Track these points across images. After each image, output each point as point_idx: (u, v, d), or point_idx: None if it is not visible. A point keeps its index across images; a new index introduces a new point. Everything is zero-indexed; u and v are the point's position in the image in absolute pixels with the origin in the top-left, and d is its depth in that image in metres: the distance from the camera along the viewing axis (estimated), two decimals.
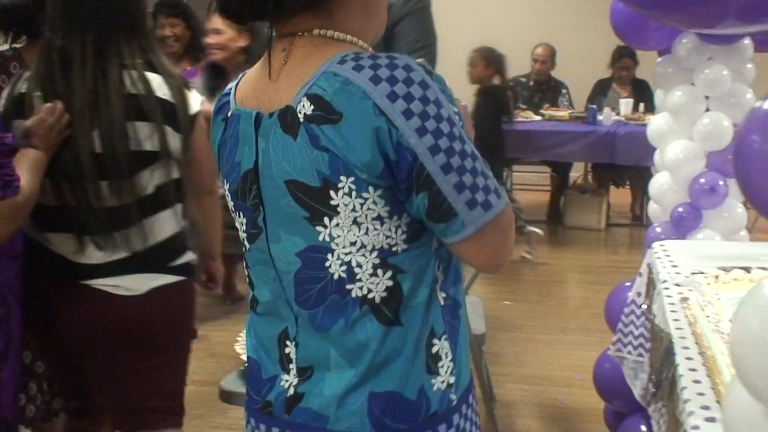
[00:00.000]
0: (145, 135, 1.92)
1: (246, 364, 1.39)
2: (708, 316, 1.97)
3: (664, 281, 2.37)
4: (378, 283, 1.17)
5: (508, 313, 4.48)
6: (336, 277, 1.17)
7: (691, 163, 2.87)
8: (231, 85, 1.29)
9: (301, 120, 1.11)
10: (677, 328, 2.04)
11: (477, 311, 3.11)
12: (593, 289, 4.83)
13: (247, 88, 1.24)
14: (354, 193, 1.12)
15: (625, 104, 6.29)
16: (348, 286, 1.17)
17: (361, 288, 1.17)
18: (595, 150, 5.90)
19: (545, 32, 7.30)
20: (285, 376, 1.26)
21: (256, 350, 1.32)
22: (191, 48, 4.03)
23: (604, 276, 5.05)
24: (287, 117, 1.13)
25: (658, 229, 2.98)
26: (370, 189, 1.11)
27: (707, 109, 2.85)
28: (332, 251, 1.16)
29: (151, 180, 1.96)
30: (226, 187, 1.27)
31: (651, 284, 2.58)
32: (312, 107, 1.10)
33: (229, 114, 1.24)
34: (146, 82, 1.91)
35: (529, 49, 6.80)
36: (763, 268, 2.28)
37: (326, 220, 1.14)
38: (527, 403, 3.42)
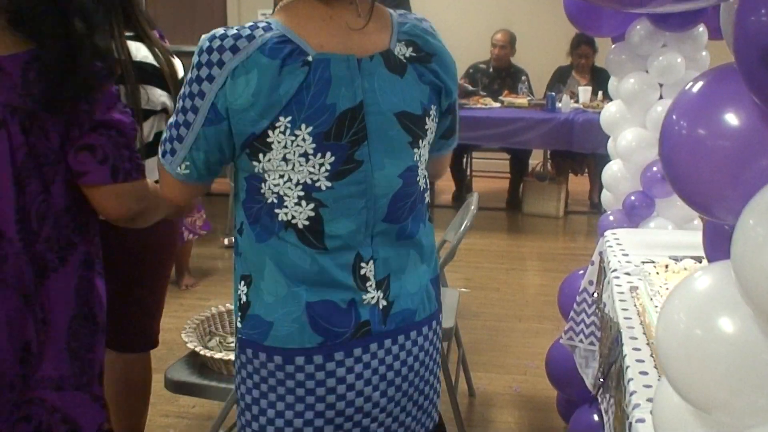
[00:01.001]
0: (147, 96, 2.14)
1: (195, 350, 1.63)
2: (656, 306, 1.96)
3: (614, 270, 2.36)
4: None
5: (465, 300, 4.44)
6: (421, 188, 1.50)
7: (643, 151, 2.86)
8: (274, 33, 1.34)
9: (404, 62, 1.41)
10: (626, 318, 2.03)
11: (449, 304, 3.10)
12: (550, 277, 4.82)
13: (323, 35, 1.37)
14: (435, 118, 1.49)
15: (584, 92, 6.29)
16: (426, 195, 1.53)
17: (428, 195, 1.55)
18: (554, 137, 5.89)
19: (505, 18, 7.28)
20: (366, 295, 1.44)
21: (320, 293, 1.42)
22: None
23: (562, 263, 5.05)
24: (390, 59, 1.40)
25: (611, 218, 2.97)
26: (438, 113, 1.50)
27: (661, 97, 2.84)
28: (419, 168, 1.48)
29: (150, 130, 2.16)
30: (307, 130, 1.34)
31: (602, 273, 2.57)
32: (410, 50, 1.42)
33: (309, 59, 1.34)
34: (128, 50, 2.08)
35: (488, 35, 6.76)
36: None
37: (420, 142, 1.46)
38: (482, 391, 3.40)
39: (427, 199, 1.54)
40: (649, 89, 2.83)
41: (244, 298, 1.46)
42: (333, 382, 1.43)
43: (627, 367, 1.76)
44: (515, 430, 3.15)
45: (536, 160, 7.08)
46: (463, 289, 4.64)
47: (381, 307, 1.45)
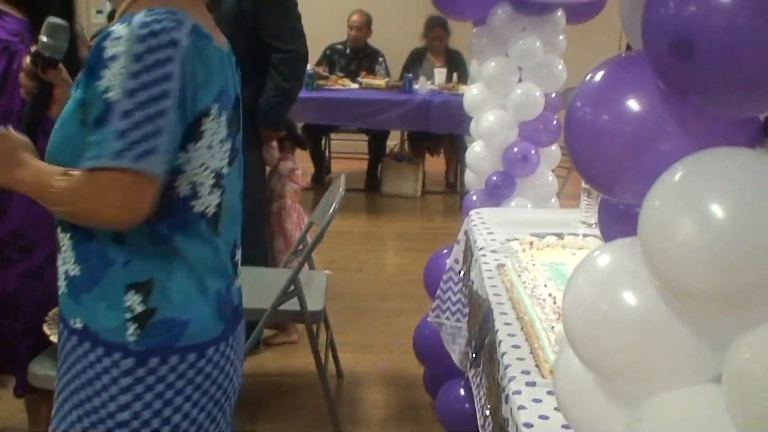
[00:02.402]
0: None
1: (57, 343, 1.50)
2: (524, 282, 2.03)
3: (481, 248, 2.43)
4: None
5: (329, 282, 4.48)
6: None
7: (504, 133, 2.95)
8: (189, 20, 1.32)
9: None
10: (495, 294, 2.09)
11: (317, 287, 3.11)
12: (410, 256, 4.91)
13: (212, 28, 1.41)
14: None
15: (439, 74, 6.41)
16: None
17: None
18: (411, 118, 5.98)
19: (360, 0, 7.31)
20: (236, 281, 1.52)
21: (218, 280, 1.44)
22: None
23: (421, 242, 5.15)
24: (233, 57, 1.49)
25: (474, 197, 3.05)
26: None
27: (520, 80, 2.94)
28: None
29: None
30: (223, 116, 1.38)
31: (468, 251, 2.64)
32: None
33: (222, 49, 1.41)
34: None
35: (345, 16, 6.78)
36: (574, 234, 2.39)
37: None
38: (349, 371, 3.44)
39: None
40: (509, 72, 2.92)
41: (139, 308, 1.36)
42: (228, 366, 1.47)
43: (500, 341, 1.82)
44: (384, 407, 3.21)
45: (394, 141, 7.17)
46: (326, 271, 4.66)
47: (240, 291, 1.55)
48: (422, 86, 6.15)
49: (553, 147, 3.03)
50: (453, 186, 6.69)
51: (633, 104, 0.73)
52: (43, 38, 1.46)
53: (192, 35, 1.29)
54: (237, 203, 1.50)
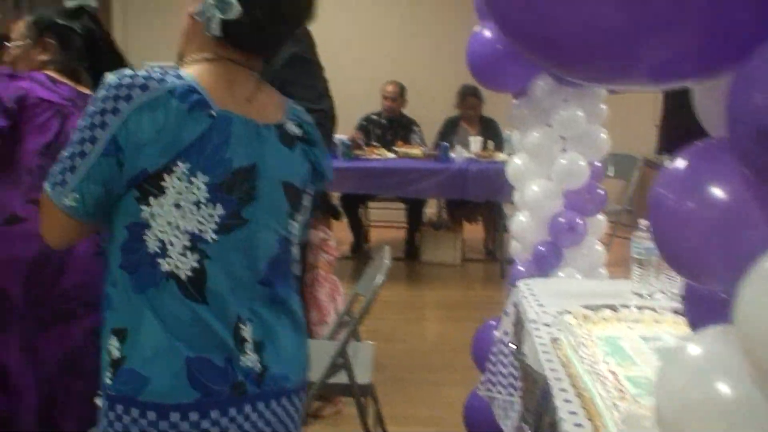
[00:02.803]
0: None
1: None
2: (582, 357, 2.00)
3: (533, 321, 2.40)
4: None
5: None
6: (293, 259, 1.58)
7: (549, 202, 2.94)
8: (183, 82, 1.40)
9: (294, 138, 1.54)
10: (551, 369, 2.06)
11: (364, 359, 3.09)
12: (452, 325, 4.88)
13: (227, 96, 1.45)
14: (310, 198, 1.62)
15: (475, 142, 6.45)
16: (296, 266, 1.62)
17: (299, 268, 1.64)
18: (449, 187, 6.00)
19: (395, 70, 7.41)
20: (243, 357, 1.46)
21: (200, 349, 1.41)
22: None
23: (462, 311, 5.11)
24: (282, 132, 1.53)
25: (521, 268, 3.03)
26: (312, 195, 1.63)
27: (564, 150, 2.94)
28: (293, 238, 1.57)
29: None
30: (203, 179, 1.39)
31: (519, 324, 2.61)
32: (300, 131, 1.56)
33: (213, 113, 1.40)
34: None
35: (379, 87, 6.87)
36: (628, 306, 2.35)
37: (296, 215, 1.56)
38: None
39: (298, 272, 1.64)
40: (552, 142, 2.93)
41: (117, 354, 1.43)
42: None
43: (561, 420, 1.78)
44: None
45: (431, 209, 7.19)
46: (368, 342, 4.63)
47: (257, 369, 1.48)
48: (458, 154, 6.19)
49: (599, 216, 3.01)
50: (492, 253, 6.65)
51: (718, 191, 0.73)
52: None
53: (168, 95, 1.36)
54: (247, 278, 1.48)
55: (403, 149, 6.51)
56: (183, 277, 1.40)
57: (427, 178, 6.00)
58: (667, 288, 2.52)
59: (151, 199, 1.38)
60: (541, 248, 2.94)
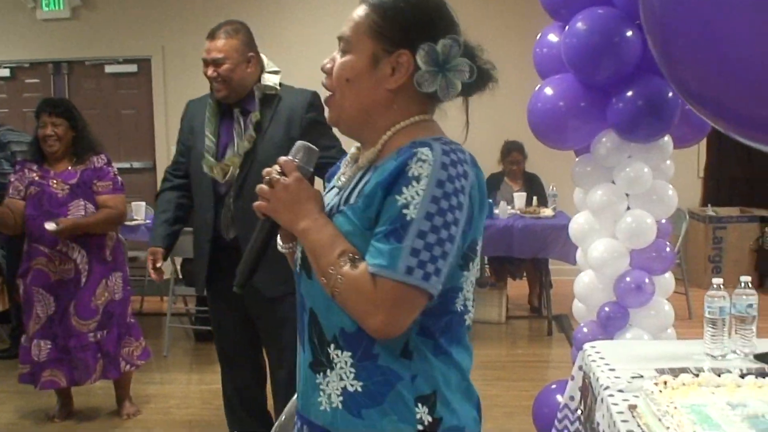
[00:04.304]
0: None
1: None
2: (668, 428, 1.89)
3: (606, 387, 2.30)
4: None
5: None
6: None
7: (615, 262, 2.85)
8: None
9: None
10: None
11: None
12: (502, 386, 4.74)
13: None
14: None
15: (519, 198, 6.36)
16: None
17: None
18: (494, 243, 5.89)
19: (442, 127, 7.38)
20: None
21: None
22: (73, 148, 4.02)
23: (511, 372, 4.99)
24: None
25: (585, 329, 2.93)
26: None
27: (628, 207, 2.86)
28: None
29: None
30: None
31: (586, 388, 2.51)
32: None
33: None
34: None
35: None
36: (700, 369, 2.24)
37: None
38: None
39: None
40: (617, 200, 2.85)
41: (428, 419, 1.43)
42: None
43: None
44: None
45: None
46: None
47: None
48: (502, 211, 6.09)
49: (667, 275, 2.91)
50: (537, 310, 6.52)
51: None
52: (299, 162, 1.51)
53: (473, 166, 1.42)
54: None
55: None
56: (468, 322, 1.51)
57: None
58: (740, 348, 2.42)
59: (471, 264, 1.46)
60: (606, 309, 2.84)
